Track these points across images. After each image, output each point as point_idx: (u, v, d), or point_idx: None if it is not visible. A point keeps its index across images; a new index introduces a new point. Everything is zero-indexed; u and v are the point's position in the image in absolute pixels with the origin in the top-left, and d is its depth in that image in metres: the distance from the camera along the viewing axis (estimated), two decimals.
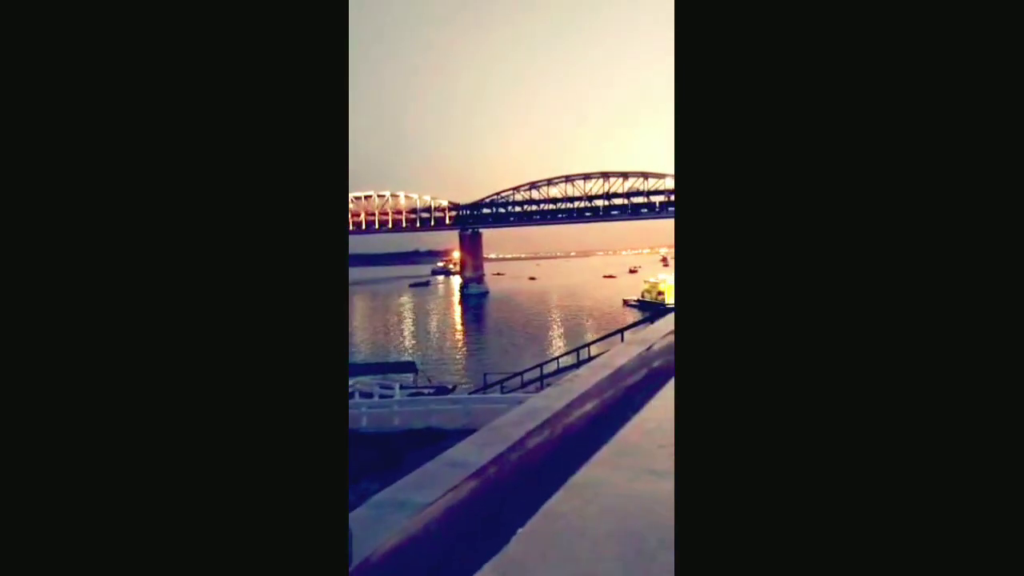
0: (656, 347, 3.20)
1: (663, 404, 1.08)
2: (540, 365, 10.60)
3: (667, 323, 4.13)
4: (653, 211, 62.00)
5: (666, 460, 0.76)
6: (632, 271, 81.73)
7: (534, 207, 66.53)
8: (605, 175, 63.68)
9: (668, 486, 0.65)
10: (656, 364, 2.73)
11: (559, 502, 0.65)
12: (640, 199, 62.23)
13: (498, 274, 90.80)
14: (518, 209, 67.24)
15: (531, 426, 1.79)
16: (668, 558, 0.52)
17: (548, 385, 5.78)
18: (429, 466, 1.30)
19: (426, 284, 75.31)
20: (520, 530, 0.59)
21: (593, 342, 11.36)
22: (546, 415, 1.90)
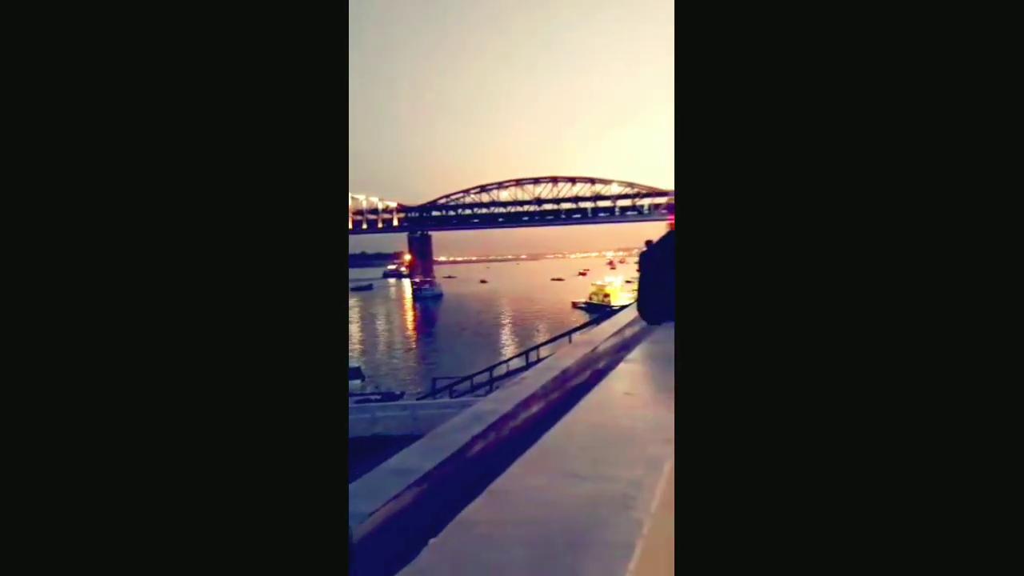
0: (601, 348, 3.27)
1: (592, 405, 1.11)
2: (490, 369, 10.58)
3: (612, 324, 4.24)
4: (600, 216, 63.50)
5: (587, 462, 0.78)
6: (582, 274, 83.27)
7: (484, 210, 66.59)
8: (554, 180, 64.68)
9: (585, 488, 0.67)
10: (601, 364, 2.79)
11: (474, 510, 0.64)
12: (588, 204, 63.59)
13: (449, 277, 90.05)
14: (468, 212, 67.10)
15: (477, 431, 1.78)
16: (572, 560, 0.53)
17: (497, 388, 5.78)
18: (371, 474, 1.27)
19: (368, 288, 70.84)
20: (432, 540, 0.58)
21: (542, 344, 11.47)
22: (492, 419, 1.89)
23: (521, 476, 0.73)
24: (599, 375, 1.50)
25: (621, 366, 1.57)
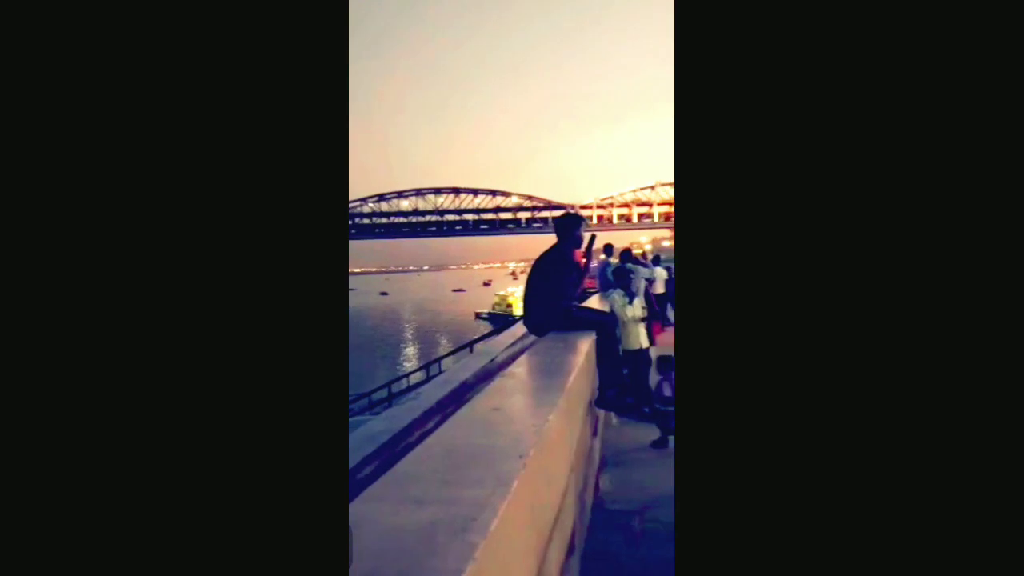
0: (499, 358, 3.31)
1: (457, 424, 1.11)
2: (388, 384, 10.26)
3: (510, 335, 4.32)
4: (482, 228, 64.53)
5: (435, 486, 0.78)
6: (486, 284, 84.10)
7: (384, 220, 64.83)
8: (456, 190, 64.72)
9: (426, 514, 0.67)
10: (496, 375, 2.82)
11: None
12: (489, 215, 64.39)
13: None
14: (367, 221, 64.90)
15: (368, 451, 1.71)
16: None
17: (395, 405, 5.62)
18: None
19: None
20: None
21: (444, 356, 11.37)
22: (384, 438, 1.83)
23: (364, 506, 0.71)
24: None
25: (498, 380, 1.60)
